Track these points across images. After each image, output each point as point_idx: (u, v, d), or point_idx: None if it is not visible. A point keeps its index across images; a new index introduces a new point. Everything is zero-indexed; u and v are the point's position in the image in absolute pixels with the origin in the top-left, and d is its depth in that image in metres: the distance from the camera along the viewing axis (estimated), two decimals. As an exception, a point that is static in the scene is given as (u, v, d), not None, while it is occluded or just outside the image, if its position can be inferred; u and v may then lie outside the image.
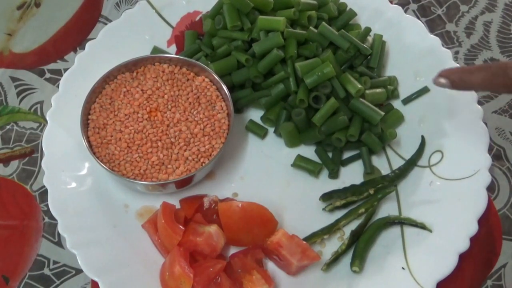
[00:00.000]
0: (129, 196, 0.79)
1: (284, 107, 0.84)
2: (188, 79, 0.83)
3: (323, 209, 0.79)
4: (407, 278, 0.73)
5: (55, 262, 0.78)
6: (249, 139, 0.85)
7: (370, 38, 0.87)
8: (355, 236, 0.76)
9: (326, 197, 0.79)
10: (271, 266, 0.75)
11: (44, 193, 0.81)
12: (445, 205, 0.77)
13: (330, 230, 0.77)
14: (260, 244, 0.74)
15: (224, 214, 0.74)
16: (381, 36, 0.87)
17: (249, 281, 0.71)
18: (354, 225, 0.77)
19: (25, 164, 0.84)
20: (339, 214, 0.79)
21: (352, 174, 0.82)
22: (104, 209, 0.78)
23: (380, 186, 0.79)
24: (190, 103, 0.81)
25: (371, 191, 0.78)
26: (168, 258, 0.72)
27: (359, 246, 0.75)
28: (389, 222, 0.77)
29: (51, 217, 0.77)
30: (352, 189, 0.79)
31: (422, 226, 0.76)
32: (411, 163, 0.81)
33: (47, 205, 0.77)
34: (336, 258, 0.75)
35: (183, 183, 0.78)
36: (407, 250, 0.75)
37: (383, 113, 0.80)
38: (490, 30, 0.96)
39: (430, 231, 0.76)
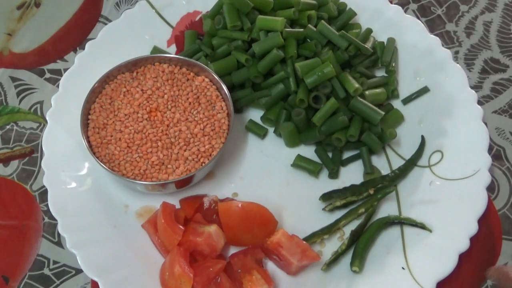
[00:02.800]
0: (129, 196, 0.79)
1: (284, 107, 0.84)
2: (188, 79, 0.83)
3: (323, 209, 0.79)
4: (407, 278, 0.73)
5: (55, 262, 0.78)
6: (249, 139, 0.85)
7: (372, 39, 0.87)
8: (355, 236, 0.76)
9: (326, 197, 0.79)
10: (271, 266, 0.75)
11: (44, 193, 0.81)
12: (445, 205, 0.77)
13: (330, 230, 0.77)
14: (260, 244, 0.74)
15: (224, 214, 0.74)
16: (394, 40, 0.88)
17: (249, 281, 0.71)
18: (354, 225, 0.77)
19: (25, 164, 0.84)
20: (339, 214, 0.79)
21: (352, 174, 0.82)
22: (104, 209, 0.78)
23: (380, 186, 0.79)
24: (190, 103, 0.81)
25: (371, 191, 0.78)
26: (168, 258, 0.72)
27: (359, 246, 0.75)
28: (389, 222, 0.77)
29: (51, 217, 0.77)
30: (352, 189, 0.79)
31: (422, 226, 0.76)
32: (411, 163, 0.81)
33: (47, 205, 0.77)
34: (336, 258, 0.75)
35: (183, 183, 0.78)
36: (407, 250, 0.75)
37: (383, 113, 0.80)
38: (490, 30, 0.96)
39: (430, 231, 0.76)
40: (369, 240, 0.76)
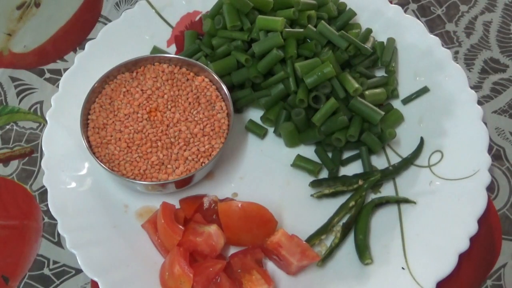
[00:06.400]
0: (129, 196, 0.79)
1: (284, 107, 0.84)
2: (188, 79, 0.83)
3: (312, 195, 0.79)
4: (407, 278, 0.73)
5: (55, 262, 0.78)
6: (249, 139, 0.85)
7: (372, 39, 0.87)
8: (347, 229, 0.76)
9: (315, 183, 0.79)
10: (270, 266, 0.75)
11: (44, 193, 0.81)
12: (445, 205, 0.77)
13: (326, 229, 0.77)
14: (260, 244, 0.74)
15: (224, 214, 0.74)
16: (394, 40, 0.88)
17: (249, 281, 0.71)
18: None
19: (25, 164, 0.84)
20: (333, 211, 0.79)
21: (351, 174, 0.82)
22: (104, 209, 0.78)
23: (372, 179, 0.79)
24: (189, 103, 0.81)
25: (360, 182, 0.79)
26: (168, 258, 0.72)
27: (359, 238, 0.75)
28: (376, 204, 0.78)
29: (51, 217, 0.77)
30: (342, 179, 0.80)
31: (406, 200, 0.78)
32: (407, 162, 0.81)
33: (47, 205, 0.77)
34: (330, 252, 0.75)
35: (183, 183, 0.78)
36: (407, 250, 0.75)
37: (383, 113, 0.80)
38: (490, 30, 0.96)
39: (414, 203, 0.77)
40: (365, 229, 0.76)
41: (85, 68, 0.85)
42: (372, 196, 0.80)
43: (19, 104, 0.89)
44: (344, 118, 0.79)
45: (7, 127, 0.87)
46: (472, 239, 0.74)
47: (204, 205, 0.77)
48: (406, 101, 0.86)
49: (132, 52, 0.84)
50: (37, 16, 0.97)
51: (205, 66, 0.82)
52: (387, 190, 0.81)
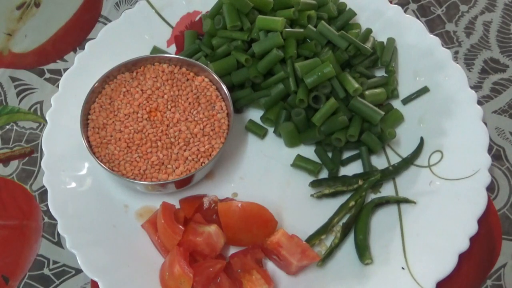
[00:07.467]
0: (129, 196, 0.79)
1: (284, 107, 0.84)
2: (187, 79, 0.83)
3: (312, 195, 0.79)
4: (407, 278, 0.73)
5: (54, 262, 0.78)
6: (248, 139, 0.85)
7: (372, 39, 0.87)
8: (347, 228, 0.76)
9: (316, 183, 0.79)
10: (270, 266, 0.75)
11: (44, 193, 0.81)
12: (445, 205, 0.77)
13: (325, 229, 0.77)
14: (260, 244, 0.74)
15: (224, 214, 0.74)
16: (394, 40, 0.88)
17: (248, 281, 0.71)
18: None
19: (25, 164, 0.84)
20: (333, 211, 0.79)
21: (351, 174, 0.82)
22: (104, 209, 0.78)
23: (372, 179, 0.79)
24: (189, 103, 0.81)
25: (360, 182, 0.79)
26: (168, 258, 0.72)
27: (359, 238, 0.75)
28: (376, 204, 0.78)
29: (51, 217, 0.77)
30: (342, 179, 0.80)
31: (406, 200, 0.78)
32: (407, 161, 0.81)
33: (46, 205, 0.77)
34: (330, 252, 0.75)
35: (182, 183, 0.78)
36: (407, 250, 0.75)
37: (383, 113, 0.80)
38: (490, 30, 0.96)
39: (414, 202, 0.77)
40: (365, 229, 0.76)
41: (85, 68, 0.85)
42: (372, 196, 0.80)
43: (19, 104, 0.89)
44: (344, 118, 0.79)
45: (7, 127, 0.87)
46: (472, 239, 0.74)
47: (204, 205, 0.77)
48: (406, 101, 0.86)
49: (132, 52, 0.84)
50: (37, 16, 0.97)
51: (205, 66, 0.82)
52: (387, 190, 0.81)
